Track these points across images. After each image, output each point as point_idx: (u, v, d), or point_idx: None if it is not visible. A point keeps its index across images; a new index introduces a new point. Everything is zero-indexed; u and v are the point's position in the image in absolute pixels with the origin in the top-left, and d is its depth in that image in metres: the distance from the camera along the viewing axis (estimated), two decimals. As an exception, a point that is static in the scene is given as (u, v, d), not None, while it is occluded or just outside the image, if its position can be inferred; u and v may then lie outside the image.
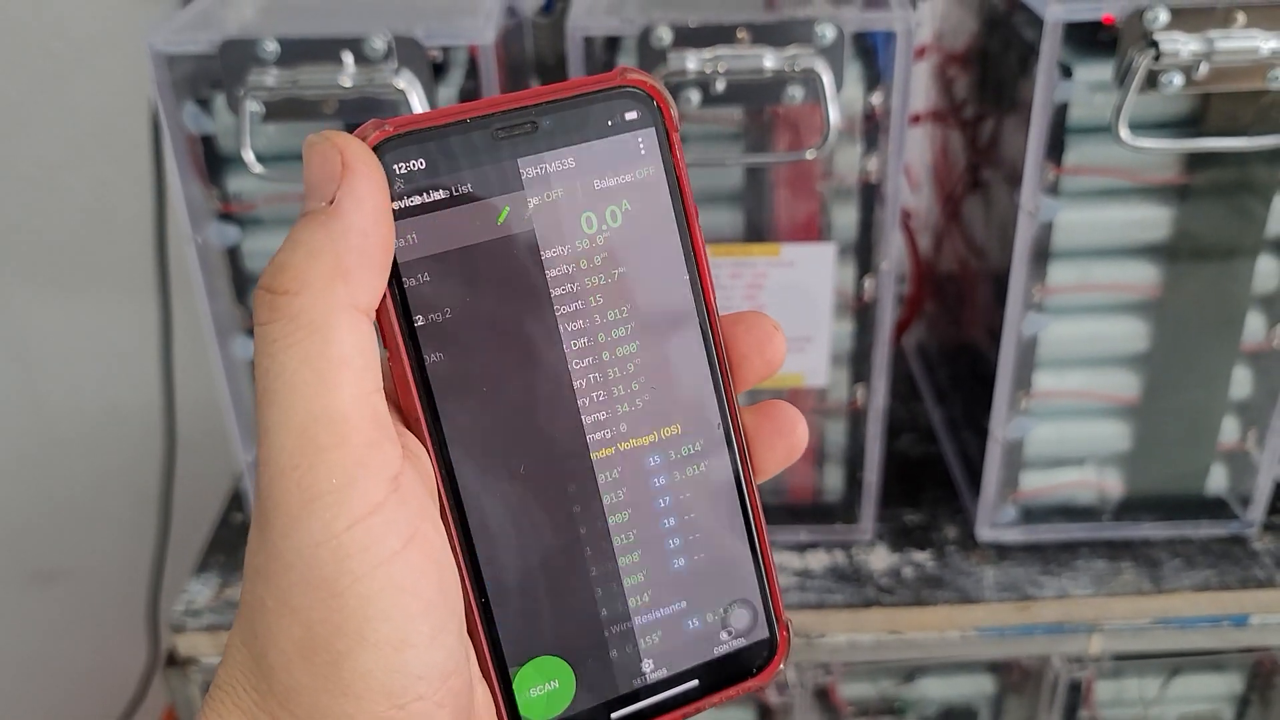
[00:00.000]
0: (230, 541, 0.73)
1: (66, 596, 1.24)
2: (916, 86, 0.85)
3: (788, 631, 0.31)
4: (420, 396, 0.27)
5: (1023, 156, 0.58)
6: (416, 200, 0.26)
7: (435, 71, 0.57)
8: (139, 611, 1.09)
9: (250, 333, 0.63)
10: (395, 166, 0.26)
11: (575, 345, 0.28)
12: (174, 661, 0.68)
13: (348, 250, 0.24)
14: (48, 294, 1.05)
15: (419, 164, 0.26)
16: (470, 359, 0.27)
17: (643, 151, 0.28)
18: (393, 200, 0.26)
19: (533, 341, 0.27)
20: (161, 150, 0.81)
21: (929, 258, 0.85)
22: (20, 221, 1.01)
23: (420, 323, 0.26)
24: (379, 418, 0.25)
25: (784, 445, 0.30)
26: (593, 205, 0.28)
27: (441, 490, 0.27)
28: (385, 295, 0.26)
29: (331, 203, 0.25)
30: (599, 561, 0.29)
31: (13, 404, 1.11)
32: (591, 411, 0.28)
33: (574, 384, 0.28)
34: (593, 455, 0.28)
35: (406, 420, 0.27)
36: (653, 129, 0.28)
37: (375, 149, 0.25)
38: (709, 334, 0.29)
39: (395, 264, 0.26)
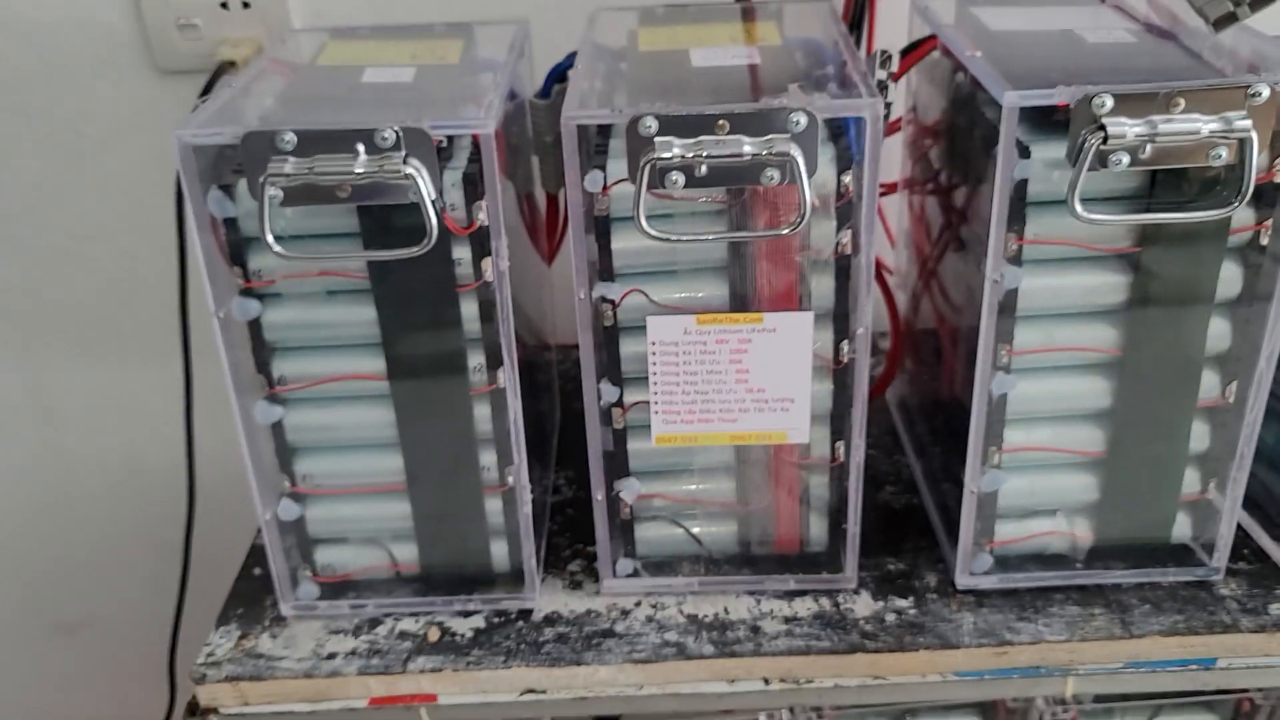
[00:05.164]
0: (250, 595, 0.76)
1: (88, 648, 1.27)
2: (894, 155, 0.89)
3: None
4: None
5: (988, 227, 0.62)
6: None
7: (439, 153, 0.61)
8: (159, 663, 1.12)
9: (270, 399, 0.67)
10: None
11: None
12: (194, 712, 0.71)
13: None
14: (76, 359, 1.09)
15: None
16: None
17: None
18: None
19: None
20: (184, 223, 0.85)
21: (908, 317, 0.89)
22: (50, 290, 1.05)
23: None
24: None
25: None
26: None
27: None
28: None
29: None
30: None
31: (41, 462, 1.15)
32: None
33: None
34: None
35: None
36: None
37: None
38: None
39: None
